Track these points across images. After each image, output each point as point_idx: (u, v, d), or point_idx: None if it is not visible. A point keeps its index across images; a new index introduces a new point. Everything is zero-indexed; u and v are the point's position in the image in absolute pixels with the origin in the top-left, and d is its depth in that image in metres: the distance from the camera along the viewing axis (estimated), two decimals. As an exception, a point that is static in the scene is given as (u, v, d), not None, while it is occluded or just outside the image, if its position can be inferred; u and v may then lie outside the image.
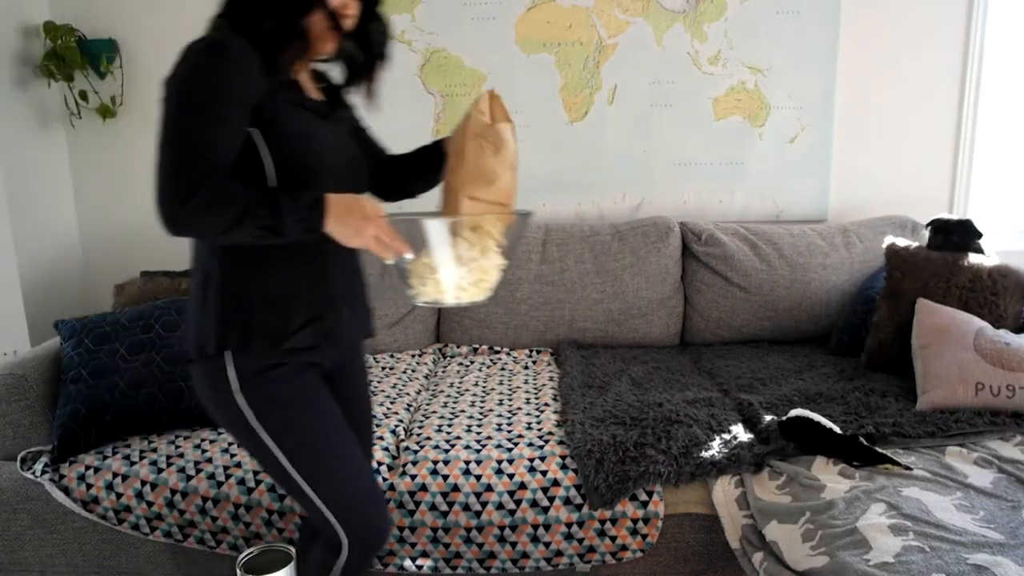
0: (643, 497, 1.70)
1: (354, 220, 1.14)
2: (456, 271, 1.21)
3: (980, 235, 2.22)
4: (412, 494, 1.72)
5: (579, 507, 1.69)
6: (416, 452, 1.81)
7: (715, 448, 1.75)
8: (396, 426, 1.94)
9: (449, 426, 1.94)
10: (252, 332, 1.21)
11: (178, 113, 1.10)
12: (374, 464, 1.76)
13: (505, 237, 1.26)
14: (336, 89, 1.40)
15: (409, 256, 1.21)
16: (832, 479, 1.62)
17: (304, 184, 1.19)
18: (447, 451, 1.80)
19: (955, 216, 2.31)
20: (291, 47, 1.19)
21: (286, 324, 1.23)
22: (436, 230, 1.19)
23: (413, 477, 1.74)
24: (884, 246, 2.27)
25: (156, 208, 1.09)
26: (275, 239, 1.13)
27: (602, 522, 1.70)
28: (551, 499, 1.70)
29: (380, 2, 1.33)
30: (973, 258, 2.16)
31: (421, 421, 1.99)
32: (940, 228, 2.24)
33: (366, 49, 1.36)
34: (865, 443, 1.69)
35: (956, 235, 2.21)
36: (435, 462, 1.76)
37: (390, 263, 1.22)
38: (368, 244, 1.15)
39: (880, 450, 1.69)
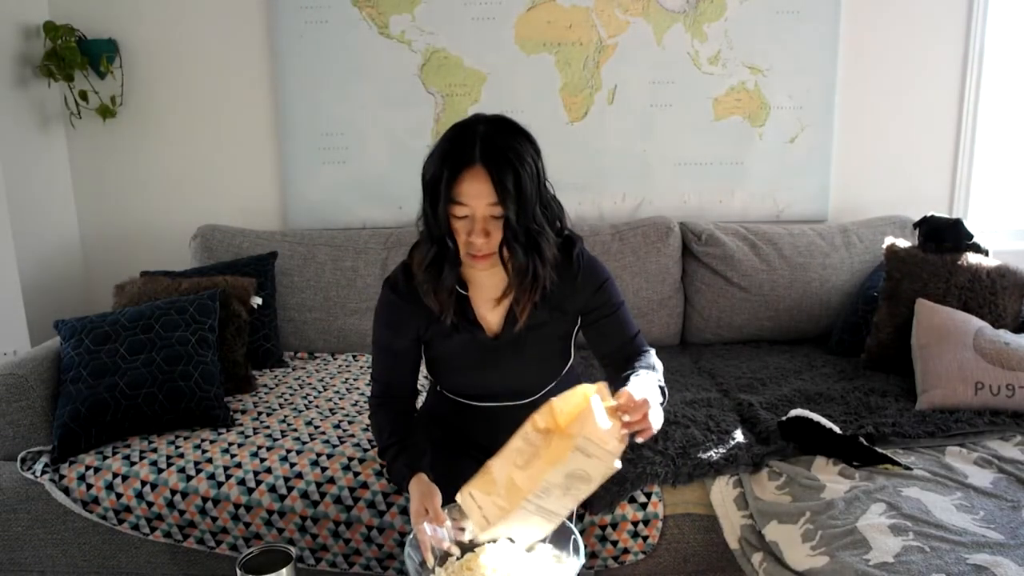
0: (642, 499, 1.70)
1: (412, 508, 1.35)
2: None
3: (971, 236, 2.21)
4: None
5: (580, 517, 1.69)
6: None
7: (713, 449, 1.75)
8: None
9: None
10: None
11: (373, 343, 1.54)
12: (376, 465, 1.76)
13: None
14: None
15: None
16: (832, 479, 1.62)
17: (443, 380, 1.60)
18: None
19: (946, 215, 2.28)
20: (425, 290, 1.41)
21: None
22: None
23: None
24: (884, 247, 2.27)
25: None
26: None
27: (603, 527, 1.69)
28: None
29: (519, 233, 1.32)
30: (972, 258, 2.16)
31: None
32: (930, 233, 2.23)
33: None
34: (865, 443, 1.69)
35: (949, 240, 2.20)
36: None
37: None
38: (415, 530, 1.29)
39: (880, 450, 1.69)
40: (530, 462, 1.09)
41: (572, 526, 1.27)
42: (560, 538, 1.25)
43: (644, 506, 1.70)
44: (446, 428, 1.62)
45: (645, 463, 1.70)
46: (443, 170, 1.27)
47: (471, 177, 1.26)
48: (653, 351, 1.49)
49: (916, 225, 2.29)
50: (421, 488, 1.36)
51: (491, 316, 1.47)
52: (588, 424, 1.06)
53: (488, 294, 1.46)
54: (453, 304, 1.42)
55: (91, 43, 2.55)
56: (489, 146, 1.27)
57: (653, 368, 1.42)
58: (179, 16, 2.61)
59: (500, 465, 1.12)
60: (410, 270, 1.44)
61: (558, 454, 1.06)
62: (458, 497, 1.17)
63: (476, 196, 1.26)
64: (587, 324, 1.51)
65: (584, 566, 1.69)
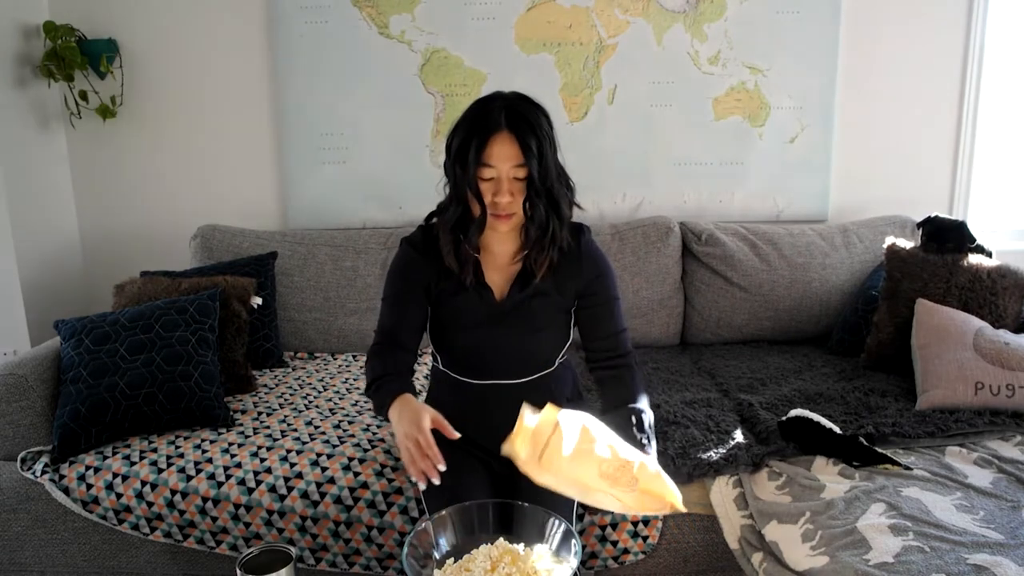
0: (643, 497, 1.71)
1: (400, 427, 1.35)
2: None
3: (974, 240, 2.20)
4: (419, 501, 1.72)
5: (580, 516, 1.69)
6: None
7: (713, 449, 1.75)
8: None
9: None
10: None
11: (384, 291, 1.58)
12: (376, 465, 1.77)
13: None
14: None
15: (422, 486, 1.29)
16: (832, 479, 1.62)
17: (446, 345, 1.61)
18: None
19: (949, 216, 2.28)
20: (448, 250, 1.50)
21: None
22: None
23: (416, 483, 1.74)
24: (884, 247, 2.27)
25: None
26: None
27: (602, 527, 1.70)
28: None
29: (540, 191, 1.45)
30: (972, 259, 2.15)
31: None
32: (933, 234, 2.22)
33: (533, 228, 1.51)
34: (865, 443, 1.70)
35: (951, 241, 2.20)
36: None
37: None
38: (403, 450, 1.32)
39: (880, 450, 1.69)
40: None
41: (572, 526, 1.27)
42: (559, 539, 1.25)
43: (644, 506, 1.70)
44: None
45: (645, 463, 1.70)
46: (472, 136, 1.40)
47: (499, 141, 1.40)
48: (636, 365, 1.60)
49: (920, 225, 2.28)
50: (412, 405, 1.37)
51: (499, 281, 1.56)
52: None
53: (498, 260, 1.56)
54: (470, 266, 1.52)
55: (91, 43, 2.55)
56: (513, 113, 1.41)
57: (644, 407, 1.52)
58: (179, 16, 2.61)
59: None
60: (428, 232, 1.56)
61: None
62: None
63: (503, 158, 1.40)
64: (581, 308, 1.60)
65: (584, 566, 1.70)
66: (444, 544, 1.26)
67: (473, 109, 1.45)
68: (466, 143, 1.41)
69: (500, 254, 1.57)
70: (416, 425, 1.32)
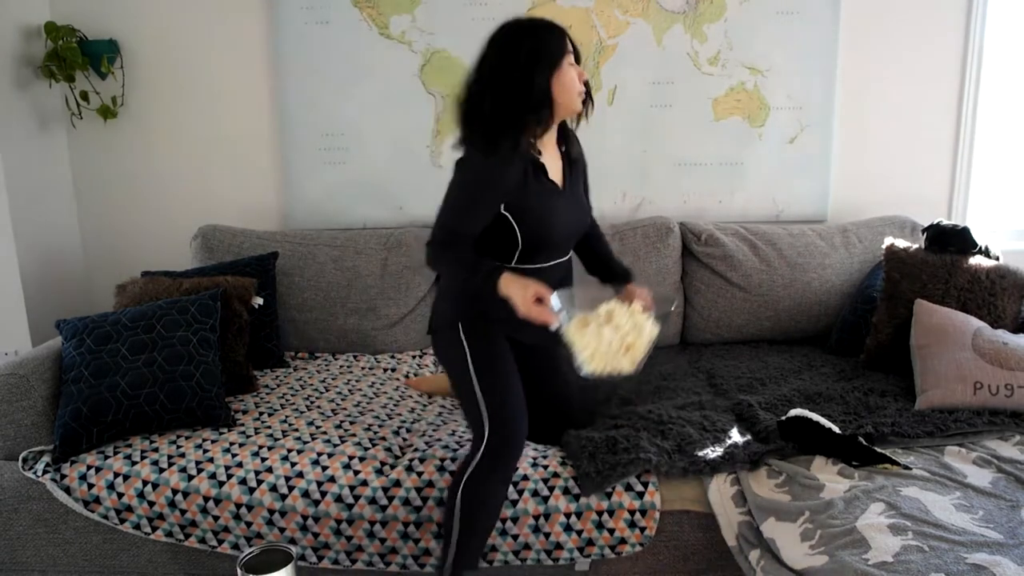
0: (638, 488, 1.72)
1: (516, 292, 1.56)
2: (596, 341, 1.50)
3: (976, 245, 2.20)
4: (419, 490, 1.72)
5: (577, 497, 1.71)
6: (424, 450, 1.82)
7: (709, 447, 1.76)
8: (399, 427, 1.95)
9: (455, 423, 1.95)
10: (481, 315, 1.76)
11: (457, 200, 1.67)
12: (377, 463, 1.77)
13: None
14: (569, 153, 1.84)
15: (558, 325, 1.54)
16: (831, 479, 1.63)
17: (540, 243, 1.73)
18: (455, 450, 1.81)
19: (953, 222, 2.28)
20: (526, 144, 1.69)
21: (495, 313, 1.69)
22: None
23: (420, 474, 1.75)
24: (883, 247, 2.28)
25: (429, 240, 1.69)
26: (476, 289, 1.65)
27: (599, 513, 1.71)
28: (551, 489, 1.73)
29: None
30: (971, 259, 2.16)
31: (426, 420, 2.00)
32: (936, 238, 2.23)
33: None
34: (864, 443, 1.70)
35: (953, 245, 2.20)
36: (443, 460, 1.77)
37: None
38: (527, 311, 1.55)
39: (879, 450, 1.69)
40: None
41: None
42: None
43: (641, 495, 1.71)
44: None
45: (639, 451, 1.71)
46: (550, 33, 1.71)
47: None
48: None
49: (923, 231, 2.29)
50: (519, 278, 1.58)
51: (555, 176, 1.78)
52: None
53: (550, 158, 1.77)
54: (533, 168, 1.70)
55: (92, 44, 2.56)
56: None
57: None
58: (180, 16, 2.61)
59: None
60: (497, 143, 1.65)
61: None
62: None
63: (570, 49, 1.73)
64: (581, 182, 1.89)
65: (582, 554, 1.72)
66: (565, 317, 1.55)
67: (520, 28, 1.75)
68: (547, 41, 1.67)
69: (550, 156, 1.76)
70: (534, 287, 1.55)
